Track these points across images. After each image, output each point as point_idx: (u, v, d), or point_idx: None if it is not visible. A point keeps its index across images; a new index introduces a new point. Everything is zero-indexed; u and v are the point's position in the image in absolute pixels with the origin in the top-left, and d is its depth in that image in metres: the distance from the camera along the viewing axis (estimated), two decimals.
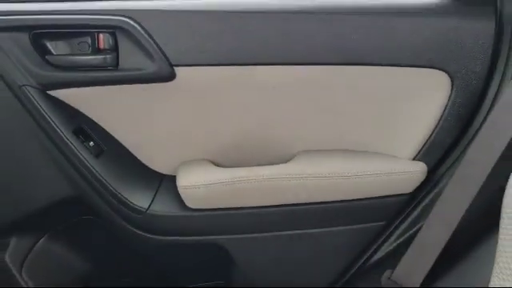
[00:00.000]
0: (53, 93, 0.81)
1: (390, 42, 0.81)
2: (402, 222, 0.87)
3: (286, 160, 0.87)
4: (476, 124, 0.82)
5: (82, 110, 0.84)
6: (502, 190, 0.61)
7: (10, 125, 0.81)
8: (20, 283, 0.87)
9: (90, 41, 0.80)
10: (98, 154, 0.84)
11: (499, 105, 0.74)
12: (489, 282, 0.64)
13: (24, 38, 0.78)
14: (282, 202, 0.84)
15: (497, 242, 0.62)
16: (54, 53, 0.80)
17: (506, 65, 0.79)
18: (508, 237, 0.64)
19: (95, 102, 0.84)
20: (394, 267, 0.82)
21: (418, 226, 0.85)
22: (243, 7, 0.82)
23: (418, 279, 0.75)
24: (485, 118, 0.81)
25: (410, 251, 0.78)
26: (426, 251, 0.76)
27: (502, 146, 0.73)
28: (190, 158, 0.90)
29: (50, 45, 0.80)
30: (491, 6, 0.80)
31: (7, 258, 0.87)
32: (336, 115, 0.86)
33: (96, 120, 0.85)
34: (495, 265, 0.65)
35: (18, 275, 0.88)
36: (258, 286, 0.89)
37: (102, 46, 0.80)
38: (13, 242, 0.87)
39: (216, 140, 0.89)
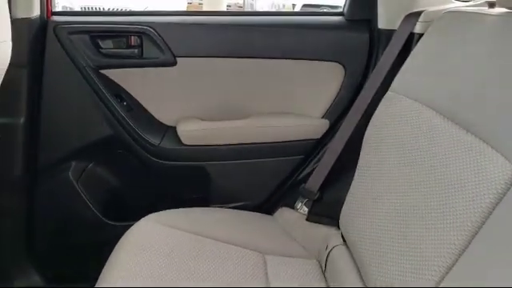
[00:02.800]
0: (102, 71, 1.29)
1: (308, 45, 1.30)
2: (314, 156, 1.35)
3: (245, 118, 1.35)
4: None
5: (119, 82, 1.32)
6: None
7: (76, 91, 1.29)
8: (79, 191, 1.35)
9: (125, 40, 1.29)
10: (128, 110, 1.32)
11: (368, 83, 1.23)
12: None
13: (86, 38, 1.26)
14: (240, 141, 1.33)
15: None
16: (103, 47, 1.29)
17: (376, 59, 1.28)
18: (363, 160, 1.11)
19: (127, 78, 1.32)
20: None
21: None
22: (219, 21, 1.32)
23: (317, 185, 1.24)
24: None
25: (315, 170, 1.26)
26: (323, 169, 1.25)
27: (366, 104, 1.21)
28: (185, 115, 1.37)
29: (101, 42, 1.28)
30: (366, 24, 1.30)
31: (70, 175, 1.35)
32: (276, 91, 1.35)
33: (127, 89, 1.33)
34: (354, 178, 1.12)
35: (77, 187, 1.36)
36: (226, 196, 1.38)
37: (132, 43, 1.29)
38: (73, 165, 1.35)
39: (202, 105, 1.37)
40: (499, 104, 0.77)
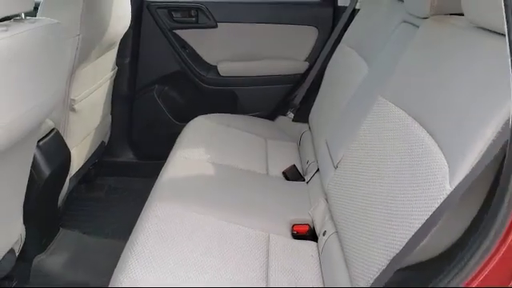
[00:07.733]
0: (174, 31, 2.13)
1: (295, 15, 2.08)
2: (299, 84, 2.14)
3: (258, 60, 2.15)
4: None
5: (184, 38, 2.15)
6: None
7: (159, 42, 2.13)
8: (159, 104, 2.20)
9: (187, 12, 2.10)
10: (189, 55, 2.15)
11: (329, 39, 1.99)
12: None
13: (165, 11, 2.09)
14: (255, 74, 2.15)
15: None
16: (175, 16, 2.11)
17: (336, 25, 2.02)
18: (323, 84, 1.89)
19: (188, 35, 2.15)
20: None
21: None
22: (241, 0, 2.09)
23: (299, 100, 2.05)
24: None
25: (298, 93, 2.06)
26: (302, 91, 2.04)
27: (327, 52, 1.97)
28: (222, 58, 2.18)
29: (174, 13, 2.11)
30: (332, 2, 2.07)
31: (154, 94, 2.20)
32: (275, 44, 2.15)
33: (188, 42, 2.16)
34: (318, 95, 1.91)
35: (158, 101, 2.20)
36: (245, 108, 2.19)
37: (192, 14, 2.11)
38: (156, 87, 2.21)
39: (232, 52, 2.17)
40: (376, 36, 1.55)
